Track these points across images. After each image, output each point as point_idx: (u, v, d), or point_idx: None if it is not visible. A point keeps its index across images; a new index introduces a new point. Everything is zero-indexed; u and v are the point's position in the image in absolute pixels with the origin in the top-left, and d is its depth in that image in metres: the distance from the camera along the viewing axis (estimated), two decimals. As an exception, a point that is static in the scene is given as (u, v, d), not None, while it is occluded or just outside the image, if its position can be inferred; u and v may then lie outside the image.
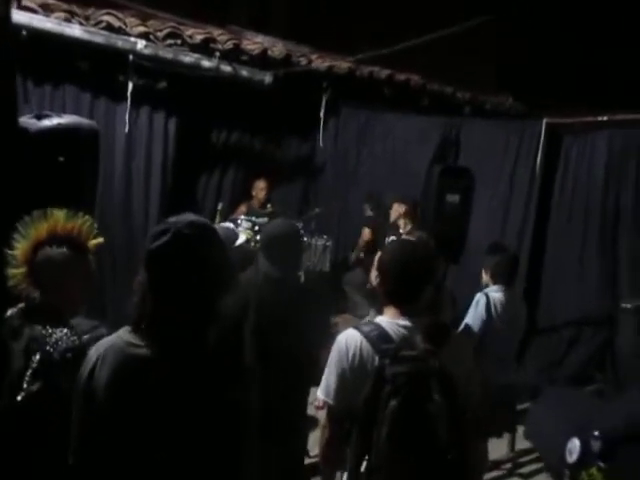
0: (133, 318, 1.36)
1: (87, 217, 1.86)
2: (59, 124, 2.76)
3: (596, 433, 2.79)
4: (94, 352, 1.38)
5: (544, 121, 4.74)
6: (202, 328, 1.35)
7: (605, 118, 4.49)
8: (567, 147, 4.80)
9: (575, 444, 2.70)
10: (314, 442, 3.87)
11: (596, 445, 2.76)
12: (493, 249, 3.38)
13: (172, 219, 1.40)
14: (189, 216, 1.43)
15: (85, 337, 1.84)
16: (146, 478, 1.33)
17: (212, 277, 1.35)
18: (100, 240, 1.89)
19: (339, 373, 1.84)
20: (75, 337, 1.67)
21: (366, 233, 5.77)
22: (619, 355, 4.37)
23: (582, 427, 2.75)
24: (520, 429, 4.13)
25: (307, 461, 3.66)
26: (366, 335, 1.80)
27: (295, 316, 2.28)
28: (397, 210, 4.77)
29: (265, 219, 5.38)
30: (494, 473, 3.78)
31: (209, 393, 1.31)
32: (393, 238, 4.24)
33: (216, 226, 3.30)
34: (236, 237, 3.18)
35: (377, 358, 1.76)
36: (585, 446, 2.82)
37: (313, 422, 3.85)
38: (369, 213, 5.81)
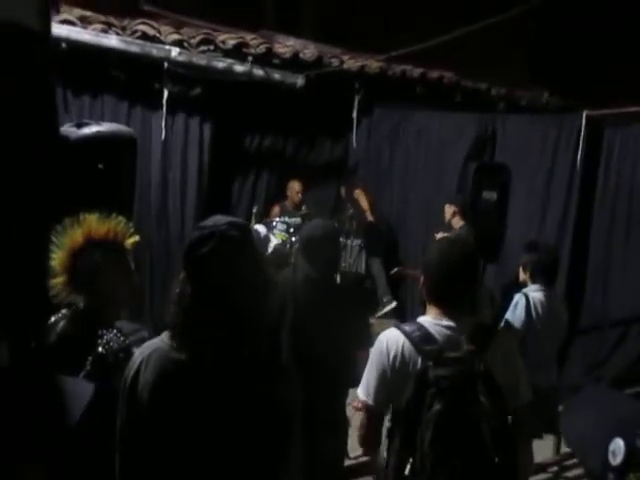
0: (174, 325, 1.36)
1: (120, 217, 1.87)
2: (98, 132, 2.81)
3: None
4: (138, 355, 1.40)
5: (584, 114, 4.60)
6: (245, 331, 1.35)
7: (648, 109, 4.33)
8: (609, 140, 4.65)
9: (619, 445, 2.56)
10: (354, 444, 3.88)
11: None
12: (531, 247, 3.27)
13: (209, 222, 1.40)
14: (223, 217, 1.43)
15: (129, 339, 1.86)
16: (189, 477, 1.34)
17: (255, 278, 1.35)
18: (136, 238, 1.91)
19: (379, 373, 1.82)
20: (123, 337, 1.69)
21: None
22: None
23: (625, 427, 2.60)
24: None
25: (347, 462, 3.66)
26: (408, 335, 1.77)
27: (334, 317, 2.27)
28: (448, 211, 5.00)
29: (299, 219, 5.40)
30: (540, 476, 3.68)
31: (250, 396, 1.31)
32: (442, 234, 4.26)
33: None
34: (267, 240, 3.19)
35: (420, 360, 1.73)
36: (631, 446, 2.68)
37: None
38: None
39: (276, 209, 5.76)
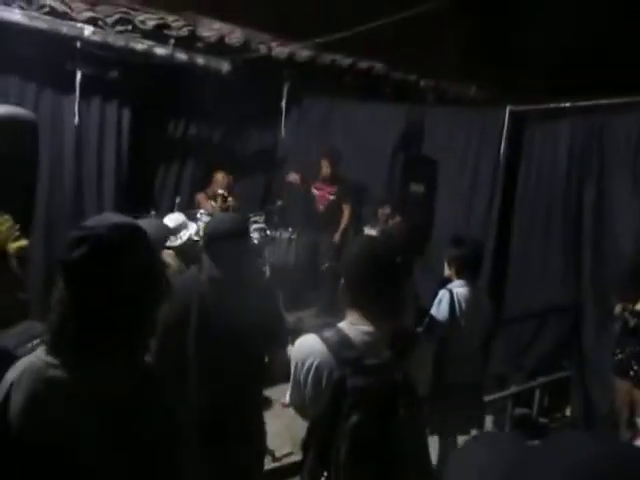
0: (51, 336, 1.20)
1: (6, 218, 1.65)
2: (-9, 115, 2.55)
3: None
4: (10, 375, 1.22)
5: (507, 109, 4.67)
6: (130, 343, 1.20)
7: (568, 104, 4.43)
8: (530, 135, 4.74)
9: None
10: (281, 442, 3.78)
11: None
12: (456, 242, 3.24)
13: (91, 222, 1.26)
14: (111, 217, 1.29)
15: (35, 342, 1.65)
16: None
17: (140, 287, 1.20)
18: (24, 242, 1.69)
19: (295, 381, 1.71)
20: None
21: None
22: (585, 343, 4.35)
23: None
24: (488, 420, 4.09)
25: (272, 465, 3.56)
26: (325, 340, 1.66)
27: (240, 319, 2.13)
28: (383, 213, 5.03)
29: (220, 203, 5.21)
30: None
31: (138, 414, 1.16)
32: (369, 230, 4.20)
33: (144, 221, 3.10)
34: (181, 229, 2.97)
35: (337, 367, 1.62)
36: None
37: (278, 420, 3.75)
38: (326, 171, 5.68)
39: (201, 197, 5.50)
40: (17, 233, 1.67)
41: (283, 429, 3.84)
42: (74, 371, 1.16)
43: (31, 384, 1.17)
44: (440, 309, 3.02)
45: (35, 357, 1.22)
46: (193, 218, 4.98)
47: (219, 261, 2.24)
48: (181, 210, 5.14)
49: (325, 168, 5.61)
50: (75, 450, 1.16)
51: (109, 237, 1.19)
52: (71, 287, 1.18)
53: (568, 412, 4.50)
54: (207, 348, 2.13)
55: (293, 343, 1.85)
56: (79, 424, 1.15)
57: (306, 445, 1.61)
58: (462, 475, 0.78)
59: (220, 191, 5.37)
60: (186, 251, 3.09)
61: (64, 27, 4.53)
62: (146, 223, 2.82)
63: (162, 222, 3.37)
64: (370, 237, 2.80)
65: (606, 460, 0.71)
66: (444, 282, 3.20)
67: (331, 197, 5.68)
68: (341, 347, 1.62)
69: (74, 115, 4.79)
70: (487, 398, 4.00)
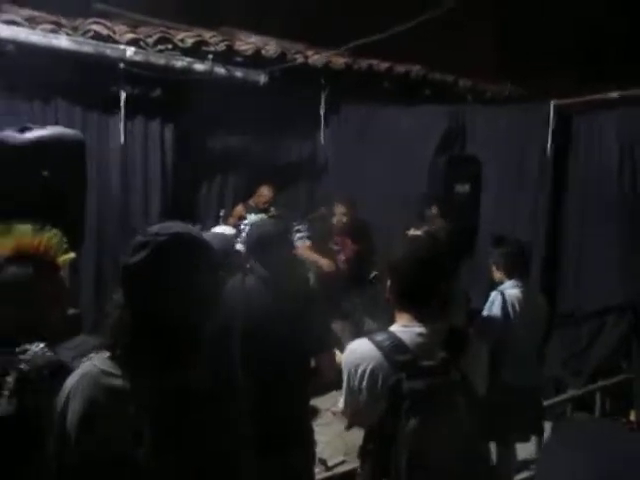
0: (109, 342, 1.21)
1: (55, 232, 1.69)
2: (41, 136, 2.64)
3: None
4: (68, 382, 1.24)
5: (552, 103, 4.54)
6: (187, 352, 1.20)
7: (616, 95, 4.27)
8: (577, 129, 4.59)
9: None
10: (333, 451, 3.76)
11: None
12: (499, 241, 3.13)
13: (154, 229, 1.26)
14: (174, 226, 1.28)
15: (90, 356, 1.69)
16: None
17: (197, 296, 1.20)
18: (71, 256, 1.73)
19: (350, 388, 1.68)
20: (51, 352, 1.51)
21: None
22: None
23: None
24: (547, 425, 3.95)
25: (324, 474, 3.53)
26: (379, 345, 1.63)
27: (287, 320, 2.14)
28: (433, 214, 4.76)
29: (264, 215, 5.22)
30: (524, 474, 3.60)
31: (195, 425, 1.15)
32: (414, 231, 4.14)
33: (209, 234, 3.13)
34: (232, 245, 3.00)
35: (392, 371, 1.58)
36: None
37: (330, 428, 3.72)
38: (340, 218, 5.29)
39: (239, 209, 5.53)
40: (65, 246, 1.71)
41: (334, 438, 3.81)
42: (129, 378, 1.17)
43: (88, 391, 1.19)
44: (492, 311, 2.93)
45: (92, 365, 1.24)
46: (237, 229, 5.03)
47: (267, 262, 2.27)
48: (225, 222, 5.22)
49: (340, 215, 5.22)
50: (131, 458, 1.16)
51: (170, 244, 1.19)
52: (128, 291, 1.20)
53: (632, 417, 4.29)
54: (254, 350, 2.13)
55: (342, 350, 1.83)
56: (135, 432, 1.15)
57: (364, 452, 1.58)
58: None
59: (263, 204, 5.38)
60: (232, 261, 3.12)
61: (108, 50, 4.68)
62: (212, 236, 2.89)
63: (228, 236, 3.41)
64: (416, 237, 2.75)
65: None
66: (496, 284, 3.11)
67: (353, 250, 5.28)
68: (395, 350, 1.59)
69: (120, 134, 4.92)
70: (545, 403, 3.87)
